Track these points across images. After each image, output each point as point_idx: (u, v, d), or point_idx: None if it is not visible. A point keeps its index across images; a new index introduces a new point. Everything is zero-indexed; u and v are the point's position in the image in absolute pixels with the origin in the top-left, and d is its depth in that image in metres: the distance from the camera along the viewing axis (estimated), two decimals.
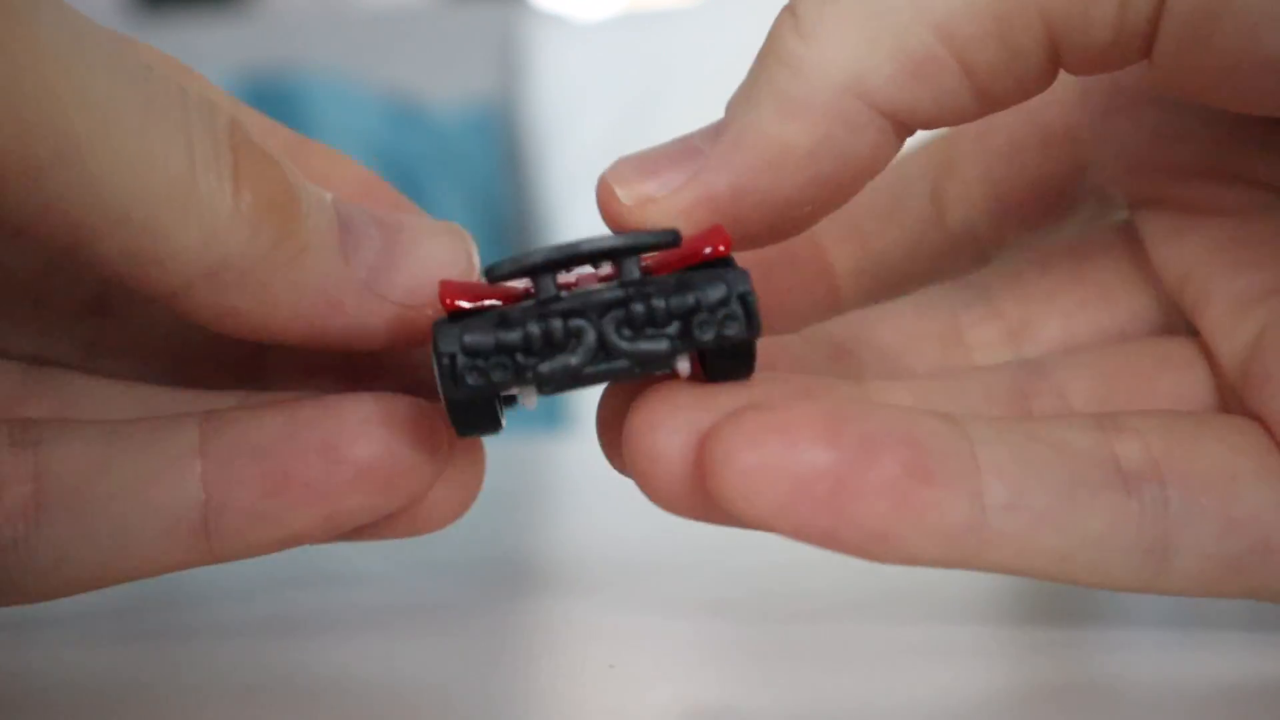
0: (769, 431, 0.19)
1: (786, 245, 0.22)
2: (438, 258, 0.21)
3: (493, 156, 1.21)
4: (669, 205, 0.21)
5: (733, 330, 0.19)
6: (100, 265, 0.19)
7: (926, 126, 0.21)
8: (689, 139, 0.21)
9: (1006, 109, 0.21)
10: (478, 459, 0.23)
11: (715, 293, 0.19)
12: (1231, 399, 0.22)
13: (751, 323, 0.19)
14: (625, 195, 0.21)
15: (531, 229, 1.15)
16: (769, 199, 0.21)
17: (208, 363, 0.24)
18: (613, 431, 0.21)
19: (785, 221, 0.21)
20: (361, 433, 0.21)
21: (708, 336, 0.19)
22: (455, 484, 0.22)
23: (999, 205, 0.26)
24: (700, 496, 0.20)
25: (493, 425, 0.20)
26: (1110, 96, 0.24)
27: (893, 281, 0.26)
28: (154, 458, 0.20)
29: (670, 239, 0.20)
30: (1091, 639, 0.22)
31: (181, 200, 0.18)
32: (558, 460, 0.39)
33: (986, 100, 0.20)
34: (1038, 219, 0.26)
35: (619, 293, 0.19)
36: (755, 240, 0.21)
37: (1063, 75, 0.21)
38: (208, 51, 1.18)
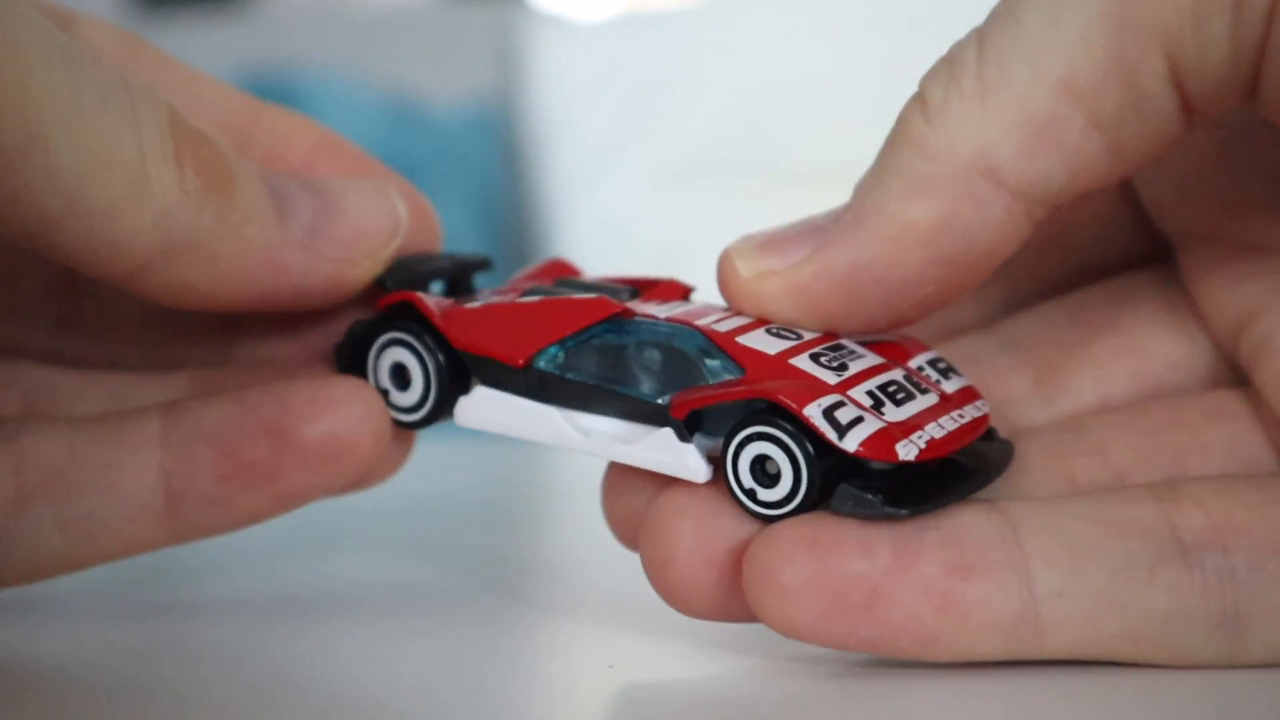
0: (801, 547, 0.19)
1: None
2: (366, 214, 0.23)
3: (493, 156, 1.21)
4: (788, 280, 0.21)
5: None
6: (59, 252, 0.20)
7: (1059, 197, 0.20)
8: (815, 219, 0.21)
9: (1139, 167, 0.20)
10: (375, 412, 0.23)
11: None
12: None
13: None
14: (745, 269, 0.21)
15: (531, 229, 1.15)
16: (888, 277, 0.20)
17: (177, 336, 0.25)
18: (623, 519, 0.22)
19: (906, 302, 0.21)
20: (306, 414, 0.22)
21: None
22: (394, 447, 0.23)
23: (1040, 235, 0.25)
24: (723, 601, 0.20)
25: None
26: None
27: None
28: (119, 447, 0.22)
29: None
30: None
31: (135, 185, 0.19)
32: (558, 461, 0.39)
33: (1119, 156, 0.20)
34: (1081, 253, 0.25)
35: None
36: (872, 323, 0.21)
37: None
38: (208, 51, 1.18)
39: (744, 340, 0.21)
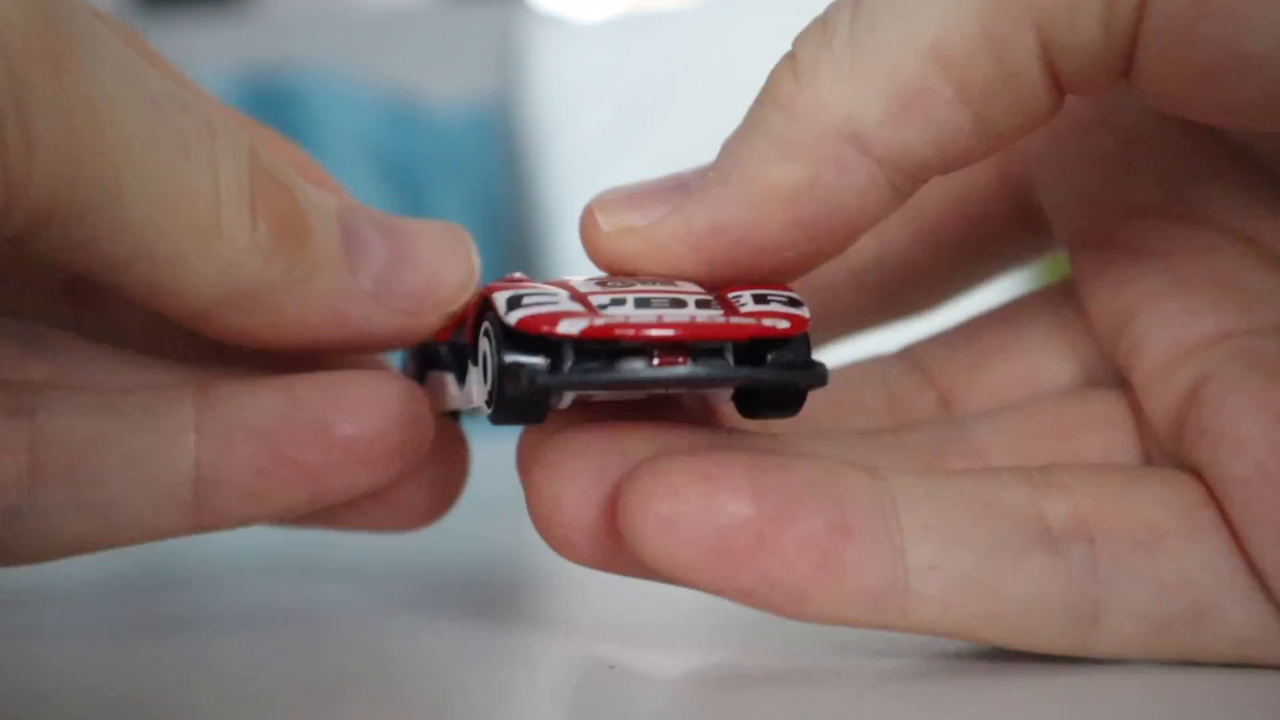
0: (689, 480, 0.18)
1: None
2: (440, 264, 0.22)
3: (492, 156, 1.21)
4: (648, 236, 0.20)
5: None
6: (120, 291, 0.19)
7: (924, 170, 0.20)
8: (680, 175, 0.21)
9: (1007, 145, 0.20)
10: (460, 457, 0.23)
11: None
12: (1159, 455, 0.22)
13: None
14: (606, 223, 0.21)
15: (530, 229, 1.15)
16: (749, 238, 0.20)
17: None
18: (531, 470, 0.20)
19: (766, 265, 0.20)
20: (355, 412, 0.21)
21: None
22: (436, 482, 0.23)
23: (934, 231, 0.25)
24: (605, 545, 0.19)
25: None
26: (1062, 123, 0.23)
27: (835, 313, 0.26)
28: (150, 433, 0.21)
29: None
30: None
31: (205, 234, 0.19)
32: None
33: (987, 132, 0.19)
34: (975, 250, 0.26)
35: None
36: (730, 281, 0.20)
37: None
38: (208, 51, 1.18)
39: (567, 277, 0.21)
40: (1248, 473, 0.19)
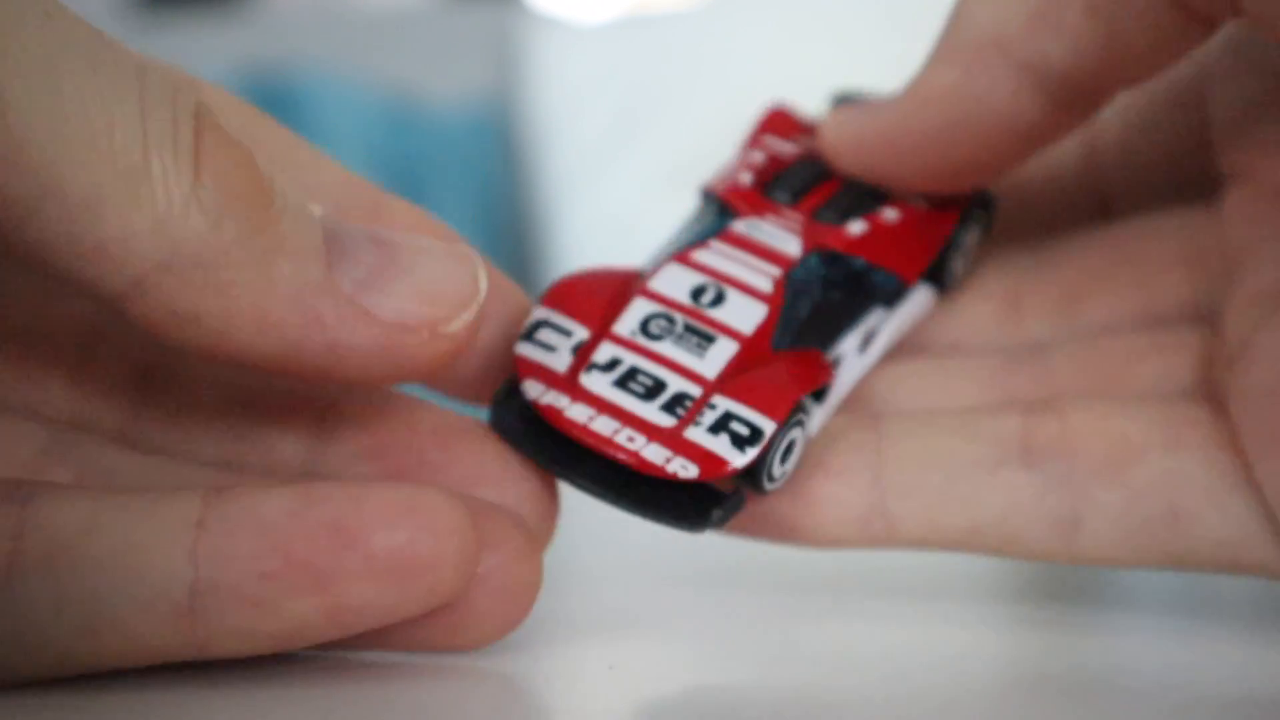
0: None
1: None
2: (438, 277, 0.20)
3: (492, 157, 1.20)
4: (852, 135, 0.24)
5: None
6: (38, 251, 0.17)
7: (1067, 77, 0.22)
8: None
9: (1148, 67, 0.22)
10: (533, 568, 0.20)
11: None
12: (1216, 389, 0.22)
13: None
14: (832, 124, 0.24)
15: (530, 229, 1.15)
16: (923, 137, 0.23)
17: (261, 439, 0.22)
18: None
19: (939, 162, 0.23)
20: (381, 517, 0.18)
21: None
22: (502, 594, 0.20)
23: (1132, 166, 0.26)
24: None
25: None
26: (1229, 57, 0.24)
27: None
28: (147, 526, 0.18)
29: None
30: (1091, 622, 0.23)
31: (129, 178, 0.17)
32: None
33: (1118, 47, 0.21)
34: (1170, 183, 0.26)
35: None
36: (915, 180, 0.24)
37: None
38: (208, 51, 1.18)
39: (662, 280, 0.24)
40: (1254, 387, 0.21)
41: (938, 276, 0.25)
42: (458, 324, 0.20)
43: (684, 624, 0.22)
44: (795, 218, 0.24)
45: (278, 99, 1.12)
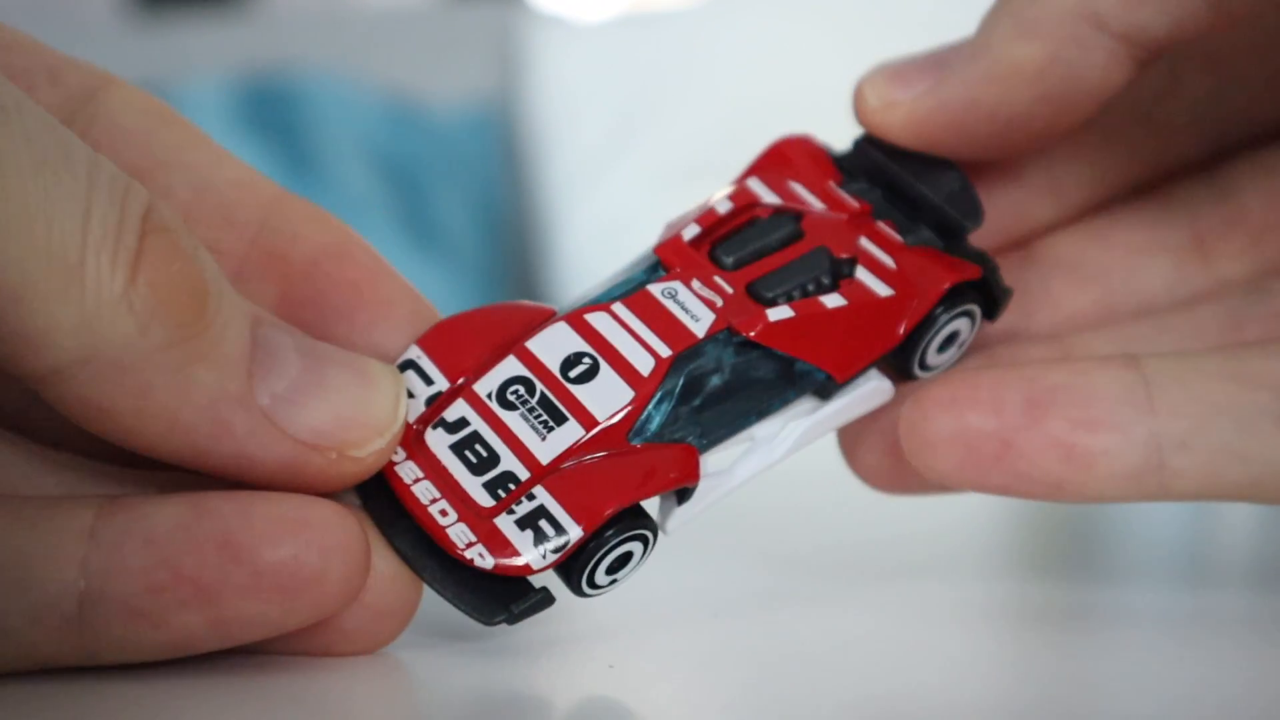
0: (941, 406, 0.21)
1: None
2: (359, 401, 0.20)
3: (493, 157, 1.20)
4: (908, 112, 0.22)
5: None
6: None
7: (1164, 45, 0.21)
8: (941, 51, 0.23)
9: (1237, 17, 0.21)
10: (411, 585, 0.21)
11: None
12: None
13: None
14: (874, 98, 0.23)
15: (531, 230, 1.15)
16: (999, 113, 0.22)
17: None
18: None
19: (1015, 137, 0.22)
20: (267, 532, 0.19)
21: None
22: (379, 610, 0.20)
23: (1228, 120, 0.25)
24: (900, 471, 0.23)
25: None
26: None
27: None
28: (38, 537, 0.19)
29: None
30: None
31: (62, 274, 0.17)
32: None
33: (1223, 6, 0.21)
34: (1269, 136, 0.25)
35: None
36: (986, 153, 0.23)
37: None
38: (208, 51, 1.18)
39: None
40: None
41: (905, 367, 0.23)
42: (368, 450, 0.20)
43: (684, 624, 0.22)
44: (725, 288, 0.22)
45: (278, 99, 1.12)
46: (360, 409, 0.20)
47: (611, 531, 0.20)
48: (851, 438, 0.23)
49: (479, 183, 1.19)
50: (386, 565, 0.20)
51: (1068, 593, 0.25)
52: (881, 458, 0.23)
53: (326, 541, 0.19)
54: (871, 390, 0.23)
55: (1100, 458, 0.20)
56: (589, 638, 0.23)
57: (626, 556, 0.21)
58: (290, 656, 0.21)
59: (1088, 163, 0.26)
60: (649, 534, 0.21)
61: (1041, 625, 0.24)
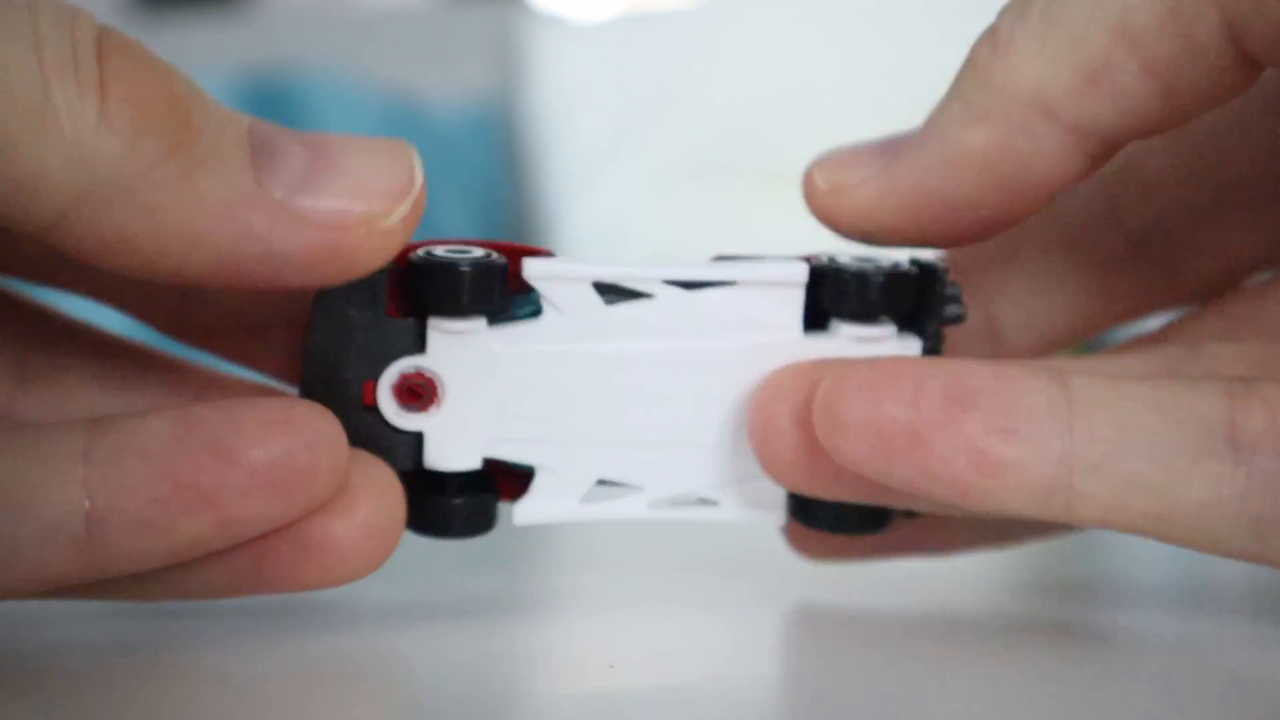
0: (861, 389, 0.20)
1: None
2: (372, 171, 0.20)
3: (493, 156, 1.21)
4: (855, 197, 0.22)
5: None
6: None
7: (1115, 138, 0.21)
8: (893, 136, 0.23)
9: (1200, 113, 0.21)
10: (391, 502, 0.21)
11: None
12: None
13: None
14: (823, 180, 0.23)
15: (530, 229, 1.15)
16: (947, 198, 0.22)
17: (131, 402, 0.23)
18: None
19: (963, 224, 0.22)
20: (256, 434, 0.19)
21: None
22: (368, 527, 0.21)
23: (1193, 200, 0.25)
24: (809, 459, 0.21)
25: None
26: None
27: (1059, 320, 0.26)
28: (35, 463, 0.19)
29: None
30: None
31: (33, 114, 0.17)
32: None
33: (1174, 104, 0.20)
34: (1240, 211, 0.25)
35: None
36: (934, 240, 0.22)
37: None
38: (208, 51, 1.18)
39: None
40: None
41: None
42: (395, 218, 0.19)
43: (684, 624, 0.22)
44: None
45: (278, 99, 1.12)
46: (377, 179, 0.19)
47: None
48: (763, 422, 0.22)
49: (479, 182, 1.20)
50: (381, 473, 0.21)
51: (1060, 611, 0.25)
52: (796, 453, 0.22)
53: (311, 437, 0.20)
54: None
55: (1010, 468, 0.20)
56: (589, 638, 0.23)
57: None
58: (290, 655, 0.21)
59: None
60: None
61: (1035, 641, 0.24)
